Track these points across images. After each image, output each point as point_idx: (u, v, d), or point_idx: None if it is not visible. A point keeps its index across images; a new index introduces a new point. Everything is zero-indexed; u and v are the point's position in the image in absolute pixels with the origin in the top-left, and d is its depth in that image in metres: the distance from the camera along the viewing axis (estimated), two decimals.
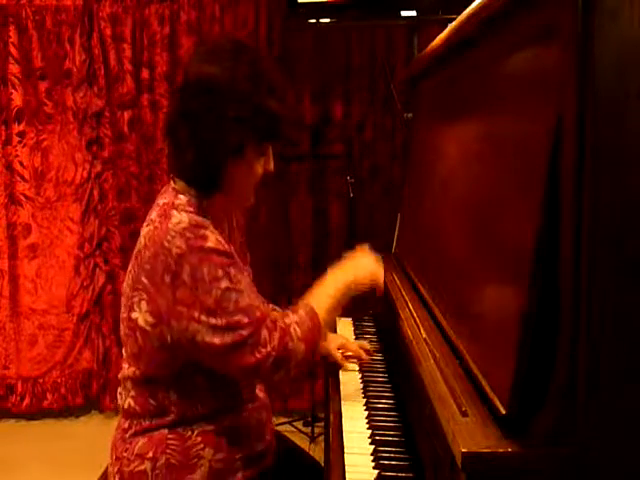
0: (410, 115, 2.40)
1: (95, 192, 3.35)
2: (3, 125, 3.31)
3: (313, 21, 2.74)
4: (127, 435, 1.38)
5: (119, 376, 1.42)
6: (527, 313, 0.89)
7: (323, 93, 3.25)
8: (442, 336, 1.28)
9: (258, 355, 1.26)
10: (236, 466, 1.38)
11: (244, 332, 1.25)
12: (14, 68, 3.25)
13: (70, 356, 3.41)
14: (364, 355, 1.77)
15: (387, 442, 1.34)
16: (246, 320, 1.25)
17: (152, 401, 1.35)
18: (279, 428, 2.11)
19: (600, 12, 0.81)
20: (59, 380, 3.40)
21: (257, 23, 3.21)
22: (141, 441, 1.35)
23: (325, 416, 1.67)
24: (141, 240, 1.31)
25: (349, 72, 3.24)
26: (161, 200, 1.35)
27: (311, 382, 3.20)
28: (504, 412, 0.90)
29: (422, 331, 1.34)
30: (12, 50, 3.24)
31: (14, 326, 3.38)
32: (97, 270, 3.39)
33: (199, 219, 1.28)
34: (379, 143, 3.25)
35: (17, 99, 3.27)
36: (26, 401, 3.38)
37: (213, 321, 1.23)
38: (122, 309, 1.35)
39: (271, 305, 1.31)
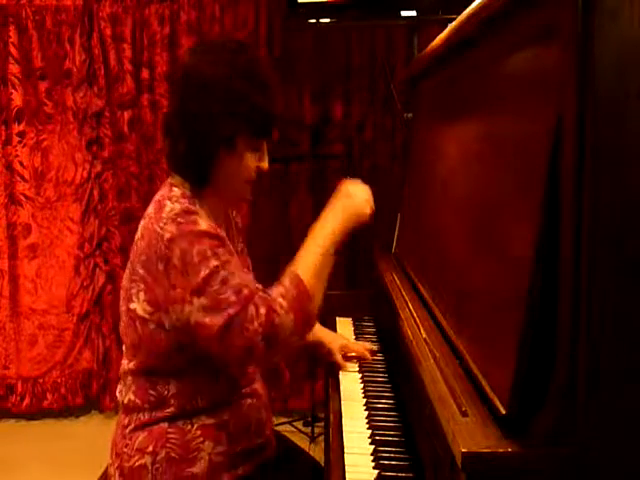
0: (410, 115, 2.40)
1: (95, 192, 3.35)
2: (3, 125, 3.31)
3: (313, 21, 2.74)
4: (127, 431, 1.38)
5: (119, 373, 1.43)
6: (527, 313, 0.89)
7: (323, 93, 3.25)
8: (442, 336, 1.28)
9: (246, 333, 1.23)
10: (236, 460, 1.39)
11: (231, 310, 1.23)
12: (14, 68, 3.25)
13: (70, 356, 3.40)
14: (368, 355, 1.76)
15: (387, 442, 1.34)
16: (233, 298, 1.24)
17: (152, 392, 1.35)
18: (279, 428, 2.11)
19: (600, 12, 0.81)
20: (59, 380, 3.39)
21: (257, 23, 3.21)
22: (141, 436, 1.36)
23: (325, 416, 1.67)
24: (137, 233, 1.35)
25: (349, 72, 3.24)
26: (158, 195, 1.37)
27: (311, 382, 3.20)
28: (504, 412, 0.90)
29: (422, 331, 1.34)
30: (12, 50, 3.24)
31: (14, 326, 3.38)
32: (97, 270, 3.39)
33: (191, 207, 1.30)
34: (379, 143, 3.25)
35: (17, 99, 3.27)
36: (26, 401, 3.37)
37: (203, 301, 1.24)
38: (121, 302, 1.37)
39: (260, 285, 1.31)
